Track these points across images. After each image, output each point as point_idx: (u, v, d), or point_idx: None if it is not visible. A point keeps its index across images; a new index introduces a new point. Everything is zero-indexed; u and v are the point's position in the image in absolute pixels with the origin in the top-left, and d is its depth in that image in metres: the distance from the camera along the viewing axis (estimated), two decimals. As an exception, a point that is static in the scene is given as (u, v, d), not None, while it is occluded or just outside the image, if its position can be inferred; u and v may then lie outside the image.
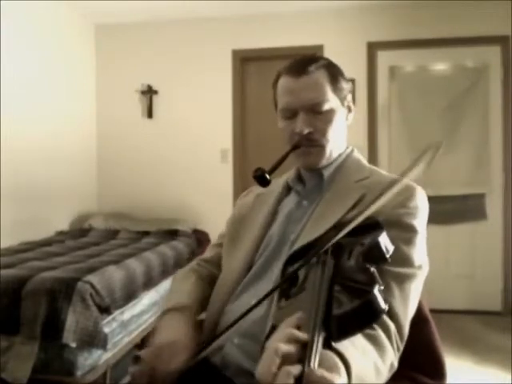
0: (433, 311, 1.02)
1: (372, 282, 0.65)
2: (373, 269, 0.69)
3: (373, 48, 3.66)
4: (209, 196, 3.84)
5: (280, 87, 1.02)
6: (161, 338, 0.93)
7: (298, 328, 0.61)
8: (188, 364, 0.88)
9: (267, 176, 0.97)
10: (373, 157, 3.60)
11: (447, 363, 0.98)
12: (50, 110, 3.45)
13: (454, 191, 3.53)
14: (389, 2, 3.57)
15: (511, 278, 3.50)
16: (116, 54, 4.03)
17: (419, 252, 0.89)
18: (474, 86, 3.52)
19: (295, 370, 0.54)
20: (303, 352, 0.56)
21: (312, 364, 0.54)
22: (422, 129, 3.59)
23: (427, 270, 0.90)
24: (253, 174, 0.97)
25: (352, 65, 3.54)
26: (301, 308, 0.64)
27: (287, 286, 0.75)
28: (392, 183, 0.73)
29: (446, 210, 3.50)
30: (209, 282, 1.09)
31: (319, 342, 0.57)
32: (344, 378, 0.59)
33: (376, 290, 0.63)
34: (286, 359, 0.57)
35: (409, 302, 0.85)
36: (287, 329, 0.61)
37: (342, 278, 0.68)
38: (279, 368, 0.56)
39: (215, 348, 0.95)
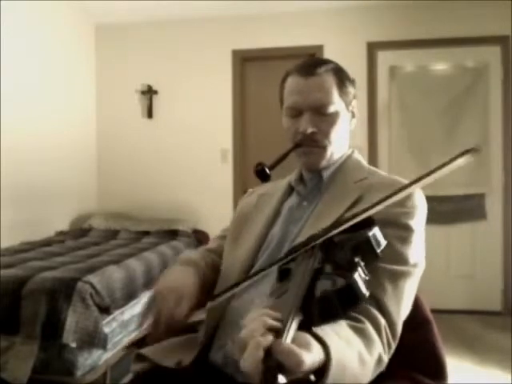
0: (433, 311, 1.02)
1: (353, 267, 0.67)
2: (357, 259, 0.70)
3: (373, 48, 3.66)
4: (209, 196, 3.84)
5: (288, 86, 1.04)
6: (168, 281, 0.95)
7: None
8: (188, 316, 0.90)
9: (267, 171, 0.99)
10: (373, 156, 3.60)
11: (447, 363, 0.98)
12: (50, 109, 3.45)
13: (454, 191, 3.53)
14: (389, 2, 3.57)
15: (511, 278, 3.51)
16: (116, 54, 4.03)
17: (415, 251, 0.89)
18: (474, 85, 3.52)
19: (266, 341, 0.55)
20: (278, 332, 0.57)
21: (283, 339, 0.55)
22: (422, 129, 3.59)
23: (423, 268, 0.90)
24: (254, 169, 1.00)
25: (352, 65, 3.51)
26: (285, 296, 0.66)
27: (279, 279, 0.77)
28: (401, 189, 0.74)
29: (446, 210, 3.50)
30: (211, 267, 1.11)
31: (294, 321, 0.58)
32: (317, 354, 0.59)
33: (356, 275, 0.65)
34: (267, 333, 0.58)
35: (402, 299, 0.85)
36: (265, 310, 0.62)
37: (326, 268, 0.70)
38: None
39: (217, 346, 0.96)
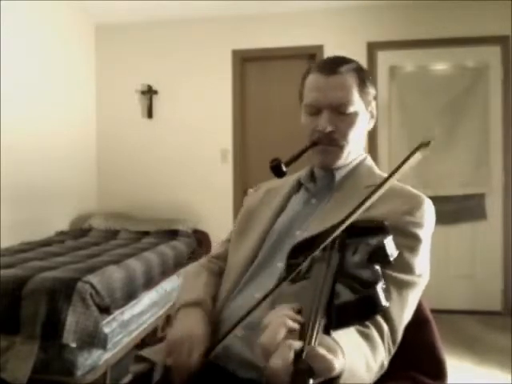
0: (433, 311, 1.02)
1: (376, 278, 0.67)
2: (377, 266, 0.70)
3: (373, 48, 3.66)
4: (209, 196, 3.84)
5: (308, 83, 1.03)
6: (177, 332, 0.94)
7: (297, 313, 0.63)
8: (202, 361, 0.89)
9: (283, 167, 0.98)
10: (373, 156, 3.56)
11: (447, 363, 0.98)
12: (50, 109, 3.45)
13: (454, 191, 3.53)
14: (389, 2, 3.57)
15: (511, 278, 3.51)
16: (116, 54, 4.03)
17: (421, 261, 0.89)
18: (474, 86, 3.52)
19: (297, 344, 0.56)
20: (302, 334, 0.58)
21: (313, 343, 0.56)
22: (422, 129, 3.59)
23: (427, 279, 0.91)
24: (269, 165, 0.99)
25: (352, 65, 3.54)
26: (303, 295, 0.66)
27: (293, 279, 0.76)
28: (386, 179, 0.74)
29: (446, 210, 3.49)
30: (220, 276, 1.10)
31: (321, 324, 0.59)
32: (341, 362, 0.59)
33: (379, 287, 0.65)
34: (289, 335, 0.59)
35: (405, 308, 0.86)
36: (286, 310, 0.63)
37: (346, 272, 0.70)
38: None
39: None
